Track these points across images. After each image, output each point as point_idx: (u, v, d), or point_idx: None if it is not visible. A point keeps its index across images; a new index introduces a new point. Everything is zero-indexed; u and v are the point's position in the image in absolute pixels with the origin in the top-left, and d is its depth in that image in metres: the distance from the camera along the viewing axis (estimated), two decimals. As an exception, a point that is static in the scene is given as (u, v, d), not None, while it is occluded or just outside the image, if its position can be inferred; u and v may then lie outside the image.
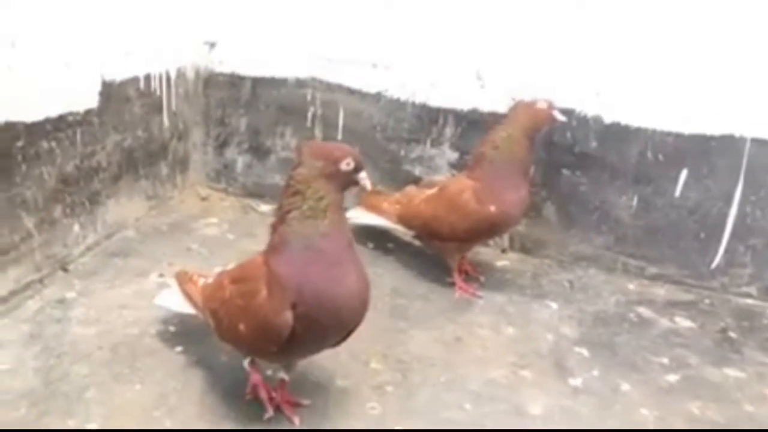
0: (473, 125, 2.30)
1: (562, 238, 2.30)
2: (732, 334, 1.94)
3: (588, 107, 2.18)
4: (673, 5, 2.02)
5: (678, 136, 2.10)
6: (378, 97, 2.42)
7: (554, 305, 2.04)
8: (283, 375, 1.54)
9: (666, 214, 2.15)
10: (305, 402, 1.56)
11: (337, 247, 1.36)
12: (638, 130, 2.14)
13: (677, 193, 2.13)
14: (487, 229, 1.99)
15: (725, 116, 2.03)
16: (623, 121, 2.15)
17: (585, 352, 1.83)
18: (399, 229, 2.21)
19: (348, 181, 1.38)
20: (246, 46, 2.55)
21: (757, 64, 1.96)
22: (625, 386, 1.70)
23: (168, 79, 2.51)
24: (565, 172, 2.25)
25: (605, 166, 2.20)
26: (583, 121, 2.19)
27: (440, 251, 2.11)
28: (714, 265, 2.14)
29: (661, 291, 2.17)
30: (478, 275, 2.17)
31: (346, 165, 1.36)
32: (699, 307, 2.08)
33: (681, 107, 2.07)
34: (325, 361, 1.67)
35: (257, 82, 2.57)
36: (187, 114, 2.64)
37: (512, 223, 2.03)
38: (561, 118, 2.00)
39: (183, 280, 1.69)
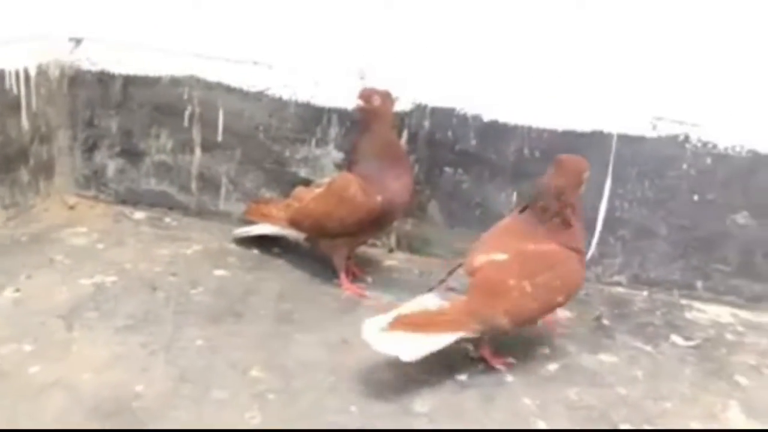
0: (357, 125, 2.28)
1: (446, 236, 2.32)
2: (606, 322, 2.03)
3: (467, 106, 2.21)
4: (541, 6, 2.09)
5: (552, 133, 2.17)
6: (260, 96, 2.35)
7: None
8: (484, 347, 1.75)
9: (544, 208, 2.23)
10: None
11: None
12: (515, 128, 2.20)
13: (553, 188, 2.21)
14: (376, 220, 1.99)
15: (593, 113, 2.12)
16: (501, 119, 2.20)
17: (470, 347, 1.84)
18: (291, 234, 2.16)
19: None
20: (116, 42, 2.40)
21: (620, 63, 2.07)
22: (509, 378, 1.72)
23: (27, 77, 2.31)
24: (448, 170, 2.28)
25: (485, 164, 2.24)
26: (463, 119, 2.22)
27: (330, 251, 2.08)
28: (588, 256, 2.23)
29: (541, 283, 2.24)
30: (365, 275, 2.15)
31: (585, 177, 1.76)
32: (576, 298, 2.16)
33: (554, 105, 2.14)
34: (200, 374, 1.59)
35: (129, 80, 2.42)
36: (51, 115, 2.44)
37: (400, 210, 2.05)
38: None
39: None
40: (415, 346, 1.59)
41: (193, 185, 2.47)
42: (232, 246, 2.27)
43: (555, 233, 1.72)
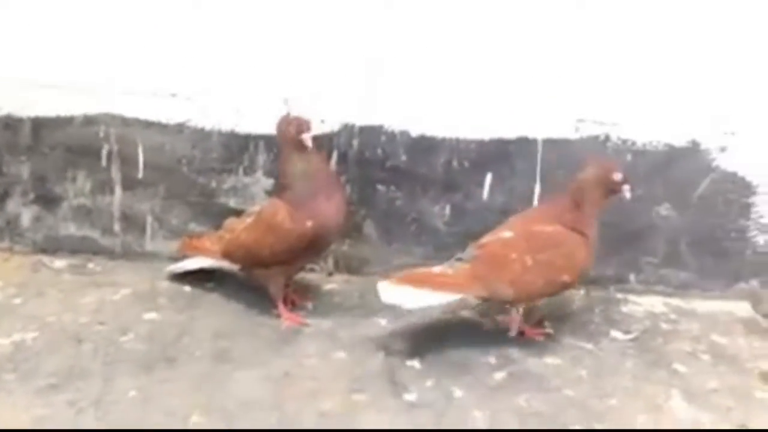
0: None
1: (384, 254, 2.30)
2: (548, 324, 2.04)
3: (394, 122, 2.21)
4: (459, 19, 2.12)
5: (480, 143, 2.19)
6: (180, 128, 2.27)
7: (384, 321, 2.02)
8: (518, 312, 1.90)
9: (478, 218, 2.23)
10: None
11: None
12: (443, 141, 2.20)
13: (485, 196, 2.23)
14: (308, 245, 1.92)
15: (518, 120, 2.15)
16: (428, 133, 2.21)
17: (417, 364, 1.82)
18: (226, 266, 2.09)
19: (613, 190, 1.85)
20: (20, 84, 2.27)
21: (541, 69, 2.11)
22: (458, 392, 1.71)
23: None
24: (380, 187, 2.26)
25: (417, 178, 2.24)
26: (392, 136, 2.21)
27: (265, 281, 2.02)
28: (527, 261, 2.25)
29: (482, 293, 2.24)
30: (305, 302, 2.10)
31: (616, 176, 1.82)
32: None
33: (479, 115, 2.16)
34: (135, 428, 1.51)
35: (38, 123, 2.29)
36: (-46, 165, 2.28)
37: (334, 233, 1.98)
38: (307, 142, 1.89)
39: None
40: (418, 298, 1.81)
41: (116, 226, 2.36)
42: (163, 286, 2.17)
43: (563, 217, 1.84)
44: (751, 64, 2.04)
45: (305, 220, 1.89)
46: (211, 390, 1.66)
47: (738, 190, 2.14)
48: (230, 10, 2.15)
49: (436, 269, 1.87)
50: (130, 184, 2.32)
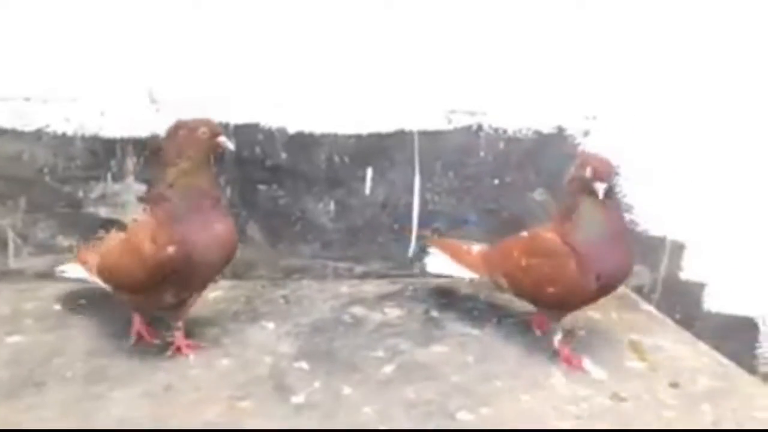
0: (156, 153, 2.11)
1: (270, 255, 2.26)
2: (434, 314, 2.08)
3: (271, 119, 2.16)
4: (330, 13, 2.10)
5: (358, 137, 2.19)
6: (39, 134, 2.11)
7: (271, 325, 1.97)
8: (558, 333, 1.84)
9: (362, 213, 2.24)
10: None
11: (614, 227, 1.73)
12: (322, 136, 2.19)
13: (367, 191, 2.23)
14: (167, 277, 1.62)
15: (393, 113, 2.17)
16: (307, 130, 2.18)
17: (305, 365, 1.78)
18: (99, 285, 1.84)
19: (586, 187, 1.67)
20: None
21: (412, 62, 2.13)
22: (347, 389, 1.69)
23: None
24: (261, 187, 2.21)
25: (298, 176, 2.21)
26: (269, 133, 2.17)
27: (130, 305, 1.80)
28: (411, 252, 2.28)
29: (370, 287, 2.24)
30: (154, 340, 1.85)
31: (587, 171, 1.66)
32: (404, 295, 2.20)
33: (355, 110, 2.16)
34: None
35: None
36: None
37: (203, 266, 1.65)
38: (230, 146, 1.73)
39: (447, 247, 2.06)
40: (440, 265, 2.06)
41: (-27, 245, 2.17)
42: (29, 306, 2.00)
43: (561, 225, 1.77)
44: (609, 50, 2.17)
45: (168, 245, 1.60)
46: (84, 412, 1.54)
47: (603, 172, 2.27)
48: (87, 2, 2.02)
49: (467, 246, 2.03)
50: (-15, 197, 2.14)
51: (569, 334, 1.91)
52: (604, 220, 1.70)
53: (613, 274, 1.74)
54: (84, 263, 1.91)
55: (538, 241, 1.81)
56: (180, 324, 1.79)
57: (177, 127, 1.68)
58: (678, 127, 2.20)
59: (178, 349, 1.78)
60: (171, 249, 1.60)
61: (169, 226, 1.62)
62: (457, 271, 2.03)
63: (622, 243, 1.74)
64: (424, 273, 2.28)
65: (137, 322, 1.82)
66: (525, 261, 1.81)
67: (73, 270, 1.97)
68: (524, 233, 1.88)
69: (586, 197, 1.69)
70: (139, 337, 1.82)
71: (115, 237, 1.85)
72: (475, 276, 1.99)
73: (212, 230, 1.65)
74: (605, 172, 1.66)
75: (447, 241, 2.11)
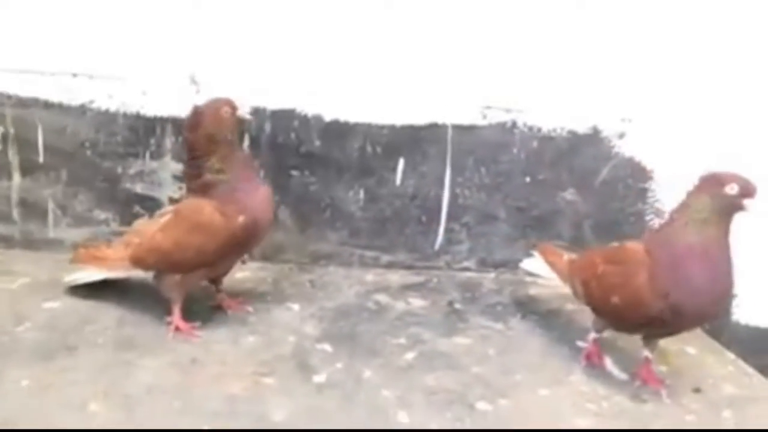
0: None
1: (299, 240, 2.29)
2: (458, 306, 2.09)
3: (307, 107, 2.20)
4: (369, 4, 2.12)
5: (392, 128, 2.21)
6: (83, 109, 2.17)
7: (296, 307, 2.01)
8: (646, 353, 1.73)
9: (390, 203, 2.26)
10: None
11: (712, 250, 1.54)
12: (356, 126, 2.21)
13: (397, 182, 2.25)
14: (241, 243, 1.77)
15: (428, 106, 2.19)
16: (342, 118, 2.21)
17: (328, 347, 1.82)
18: (135, 275, 1.89)
19: (733, 205, 1.53)
20: None
21: (449, 56, 2.15)
22: (368, 373, 1.72)
23: None
24: (294, 173, 2.25)
25: (330, 163, 2.23)
26: (304, 120, 2.20)
27: (170, 287, 1.82)
28: (437, 245, 2.30)
29: (395, 277, 2.27)
30: (245, 308, 1.95)
31: (730, 189, 1.52)
32: (428, 287, 2.22)
33: (390, 100, 2.18)
34: (25, 417, 1.43)
35: (-75, 102, 2.14)
36: None
37: (264, 229, 1.83)
38: (247, 116, 1.83)
39: (548, 252, 2.02)
40: (533, 265, 2.06)
41: (15, 213, 2.23)
42: (66, 275, 2.07)
43: (647, 236, 1.78)
44: (645, 54, 2.15)
45: (237, 216, 1.73)
46: (113, 378, 1.60)
47: (635, 175, 2.25)
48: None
49: (562, 250, 2.02)
50: (29, 168, 2.21)
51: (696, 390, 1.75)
52: (705, 244, 1.54)
53: (689, 300, 1.53)
54: (99, 260, 1.92)
55: (620, 249, 1.70)
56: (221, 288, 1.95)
57: (199, 114, 1.77)
58: (713, 132, 2.17)
59: (184, 330, 1.81)
60: (241, 218, 1.74)
61: (231, 199, 1.74)
62: (547, 274, 2.00)
63: (714, 272, 1.54)
64: (449, 265, 2.30)
65: (177, 315, 1.83)
66: (602, 268, 1.71)
67: (88, 275, 1.95)
68: (615, 243, 1.77)
69: (711, 215, 1.54)
70: (176, 329, 1.82)
71: (150, 225, 1.86)
72: (561, 282, 1.94)
73: (262, 194, 1.81)
74: (753, 188, 1.53)
75: (550, 247, 2.06)
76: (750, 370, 1.88)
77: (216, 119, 1.75)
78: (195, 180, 1.80)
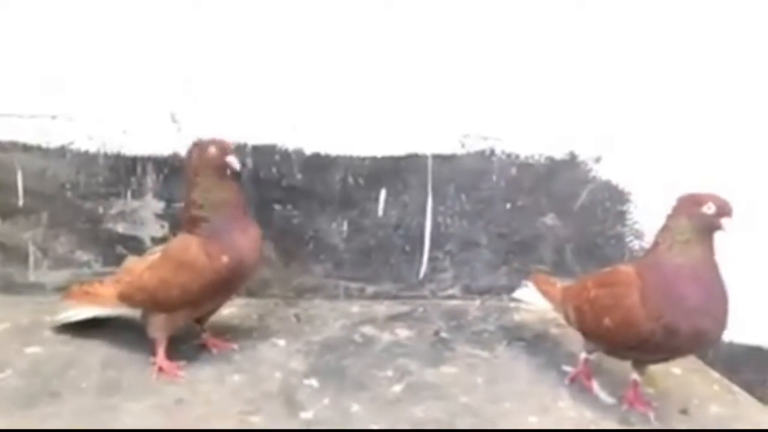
0: (176, 171, 2.18)
1: (283, 274, 2.29)
2: (444, 335, 2.09)
3: (288, 141, 2.22)
4: (341, 38, 2.16)
5: (373, 159, 2.23)
6: (63, 151, 2.18)
7: (282, 342, 2.00)
8: (635, 376, 1.73)
9: (374, 233, 2.27)
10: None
11: (700, 270, 1.56)
12: (337, 158, 2.23)
13: (380, 212, 2.27)
14: (226, 283, 1.77)
15: (407, 136, 2.22)
16: (323, 151, 2.23)
17: (315, 382, 1.80)
18: (123, 313, 1.89)
19: (711, 224, 1.55)
20: None
21: (426, 87, 2.18)
22: (355, 407, 1.70)
23: None
24: (277, 207, 2.25)
25: (313, 196, 2.25)
26: (285, 154, 2.22)
27: (155, 326, 1.81)
28: (421, 274, 2.31)
29: (381, 308, 2.27)
30: (230, 346, 1.94)
31: (707, 209, 1.54)
32: (414, 316, 2.22)
33: (370, 132, 2.21)
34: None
35: None
36: None
37: (250, 270, 1.83)
38: (235, 166, 1.78)
39: (540, 281, 2.02)
40: (526, 294, 2.07)
41: (-5, 258, 2.22)
42: (47, 319, 2.04)
43: (639, 259, 1.79)
44: (619, 78, 2.20)
45: (221, 255, 1.74)
46: (98, 423, 1.58)
47: (613, 198, 2.29)
48: (113, 24, 2.10)
49: (554, 280, 2.03)
50: (9, 211, 2.20)
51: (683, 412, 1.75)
52: (693, 264, 1.55)
53: (683, 320, 1.52)
54: (92, 297, 1.92)
55: (611, 272, 1.72)
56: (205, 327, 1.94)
57: (192, 148, 1.82)
58: (690, 156, 2.22)
59: (168, 371, 1.79)
60: (225, 258, 1.74)
61: (217, 238, 1.75)
62: (540, 302, 2.01)
63: (706, 291, 1.54)
64: (434, 293, 2.31)
65: (161, 356, 1.81)
66: (594, 292, 1.72)
67: (79, 312, 1.96)
68: (608, 268, 1.78)
69: (692, 236, 1.56)
70: (160, 370, 1.79)
71: (139, 263, 1.87)
72: (554, 309, 1.96)
73: (250, 235, 1.81)
74: (729, 207, 1.55)
75: (543, 276, 2.08)
76: (735, 388, 1.90)
77: (202, 156, 1.78)
78: (185, 210, 1.83)
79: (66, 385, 1.73)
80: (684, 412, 1.74)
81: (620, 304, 1.61)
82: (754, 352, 2.34)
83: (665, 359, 1.73)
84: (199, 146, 1.79)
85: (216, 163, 1.76)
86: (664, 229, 1.62)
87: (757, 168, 2.23)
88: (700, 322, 1.53)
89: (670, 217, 1.62)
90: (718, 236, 1.58)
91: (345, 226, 2.27)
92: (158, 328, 1.81)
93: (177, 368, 1.81)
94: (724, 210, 1.55)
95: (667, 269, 1.56)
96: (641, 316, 1.56)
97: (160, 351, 1.81)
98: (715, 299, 1.56)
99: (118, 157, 2.19)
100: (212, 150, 1.77)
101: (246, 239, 1.79)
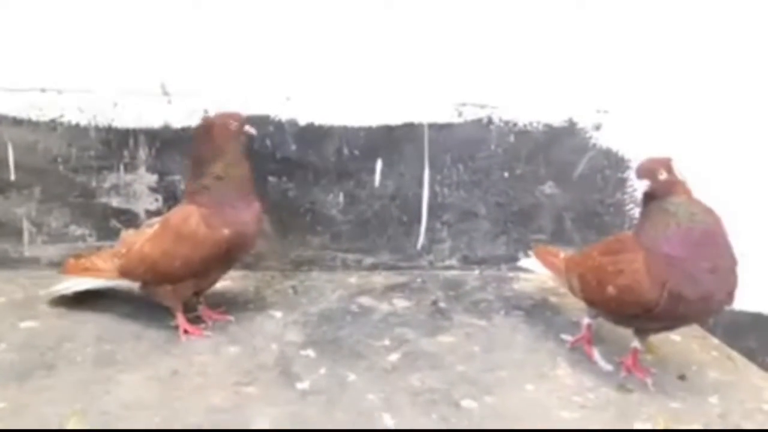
0: (168, 143, 2.16)
1: (280, 247, 2.27)
2: (442, 305, 2.08)
3: (281, 112, 2.18)
4: (343, 6, 2.11)
5: (368, 130, 2.20)
6: (53, 124, 2.14)
7: (279, 314, 1.99)
8: (636, 344, 1.71)
9: (371, 204, 2.25)
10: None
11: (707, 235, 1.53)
12: (332, 129, 2.20)
13: (376, 183, 2.24)
14: (226, 255, 1.78)
15: (403, 106, 2.18)
16: (317, 122, 2.19)
17: (311, 353, 1.80)
18: (122, 285, 1.90)
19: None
20: None
21: (422, 55, 2.14)
22: (352, 377, 1.70)
23: None
24: (272, 179, 2.23)
25: (308, 168, 2.22)
26: (279, 126, 2.19)
27: (165, 297, 1.84)
28: (419, 245, 2.29)
29: (379, 279, 2.25)
30: (226, 317, 1.94)
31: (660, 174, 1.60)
32: (412, 287, 2.21)
33: (365, 102, 2.17)
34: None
35: None
36: None
37: (250, 243, 1.85)
38: (253, 131, 1.85)
39: (542, 253, 2.03)
40: (531, 264, 2.07)
41: (-12, 233, 2.21)
42: (42, 293, 2.03)
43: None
44: (620, 44, 2.16)
45: (222, 228, 1.75)
46: (92, 395, 1.57)
47: (613, 165, 2.25)
48: (102, -3, 2.06)
49: (557, 250, 2.01)
50: (1, 187, 2.17)
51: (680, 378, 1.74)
52: (695, 228, 1.52)
53: (689, 290, 1.50)
54: (89, 271, 1.92)
55: (615, 240, 1.72)
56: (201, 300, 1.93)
57: (208, 125, 1.83)
58: (690, 123, 2.18)
59: (191, 331, 1.85)
60: (226, 231, 1.75)
61: (220, 210, 1.76)
62: (544, 272, 2.02)
63: (714, 263, 1.51)
64: (432, 264, 2.29)
65: (183, 320, 1.85)
66: (598, 260, 1.70)
67: (74, 284, 1.96)
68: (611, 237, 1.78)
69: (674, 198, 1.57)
70: (185, 332, 1.84)
71: (138, 236, 1.87)
72: (557, 279, 1.98)
73: (252, 210, 1.82)
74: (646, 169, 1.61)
75: (546, 248, 2.09)
76: (734, 354, 1.88)
77: (225, 131, 1.80)
78: (194, 182, 1.82)
79: (61, 358, 1.72)
80: (682, 377, 1.73)
81: (625, 271, 1.58)
82: (758, 319, 2.33)
83: (670, 327, 1.71)
84: (219, 122, 1.81)
85: (239, 137, 1.81)
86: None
87: (758, 132, 2.20)
88: (705, 288, 1.51)
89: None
90: (722, 201, 1.56)
91: (341, 198, 2.25)
92: (168, 297, 1.84)
93: (201, 329, 1.85)
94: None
95: (672, 235, 1.53)
96: (646, 283, 1.54)
97: (180, 317, 1.85)
98: (722, 264, 1.53)
99: (109, 130, 2.16)
100: (234, 124, 1.80)
101: (247, 214, 1.80)
